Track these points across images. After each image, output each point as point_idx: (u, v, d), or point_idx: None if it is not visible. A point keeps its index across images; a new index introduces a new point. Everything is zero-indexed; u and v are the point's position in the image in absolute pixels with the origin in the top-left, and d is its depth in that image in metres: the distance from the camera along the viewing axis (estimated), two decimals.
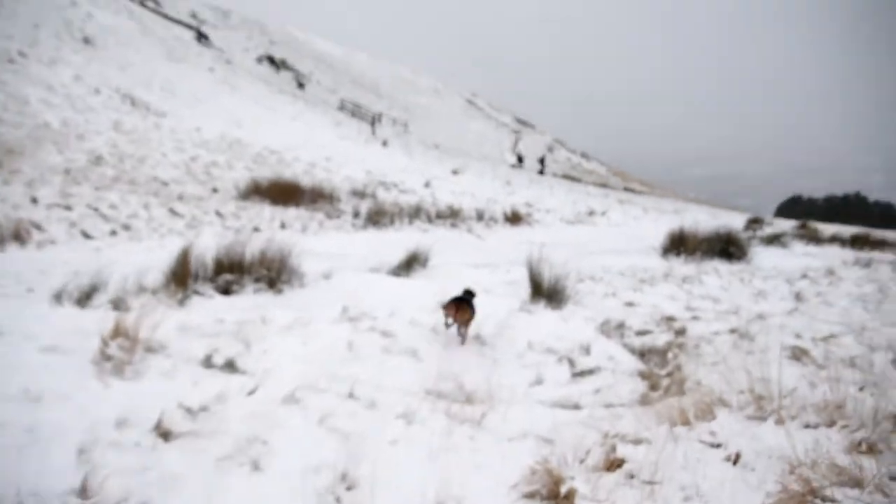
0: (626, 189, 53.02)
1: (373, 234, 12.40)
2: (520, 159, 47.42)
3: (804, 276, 8.98)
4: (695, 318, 5.86)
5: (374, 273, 7.24)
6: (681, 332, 5.21)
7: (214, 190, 14.08)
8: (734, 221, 32.93)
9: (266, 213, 12.63)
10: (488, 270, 8.59)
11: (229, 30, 53.36)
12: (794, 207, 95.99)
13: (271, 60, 48.54)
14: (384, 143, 31.22)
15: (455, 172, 25.89)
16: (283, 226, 11.86)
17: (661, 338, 5.02)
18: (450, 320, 4.50)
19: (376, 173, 20.36)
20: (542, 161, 49.90)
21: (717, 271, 9.27)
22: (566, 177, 48.58)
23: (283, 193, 13.83)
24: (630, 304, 6.45)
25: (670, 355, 4.50)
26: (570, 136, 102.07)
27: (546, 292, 5.91)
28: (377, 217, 13.28)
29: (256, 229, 11.23)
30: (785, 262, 11.45)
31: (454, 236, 13.40)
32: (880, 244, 17.08)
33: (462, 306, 4.52)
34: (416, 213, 14.57)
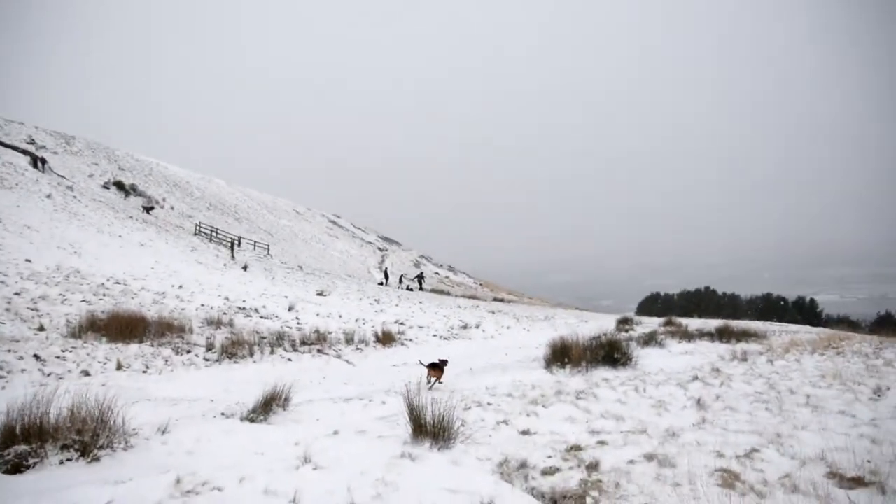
0: (496, 299, 53.97)
1: (228, 369, 10.97)
2: (386, 276, 46.98)
3: (695, 379, 8.95)
4: (601, 442, 5.28)
5: (225, 419, 6.14)
6: (593, 466, 4.59)
7: (40, 328, 12.11)
8: (605, 323, 33.98)
9: (100, 352, 10.90)
10: (361, 404, 7.61)
11: (72, 155, 50.37)
12: (654, 304, 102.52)
13: (119, 186, 45.84)
14: (244, 268, 29.65)
15: (321, 294, 24.83)
16: (119, 367, 10.23)
17: (572, 477, 4.35)
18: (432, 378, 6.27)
19: (235, 299, 18.87)
20: (420, 277, 49.85)
21: (607, 382, 8.89)
22: (435, 291, 48.71)
23: (124, 328, 12.07)
24: (527, 433, 5.76)
25: (589, 501, 3.76)
26: (435, 251, 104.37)
27: (430, 430, 5.09)
28: (234, 348, 11.86)
29: (85, 373, 9.58)
30: (669, 363, 11.41)
31: (321, 364, 12.29)
32: (744, 335, 17.81)
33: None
34: (278, 340, 13.35)
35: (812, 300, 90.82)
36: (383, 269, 55.85)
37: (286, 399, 6.87)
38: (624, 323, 30.60)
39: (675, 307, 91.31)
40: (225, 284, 21.96)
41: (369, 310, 22.96)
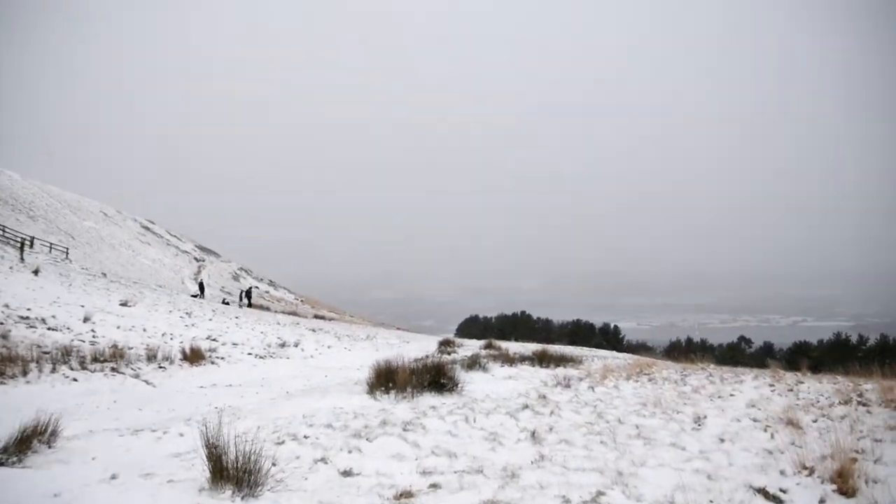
0: (317, 316, 52.71)
1: None
2: (202, 288, 43.77)
3: (525, 407, 9.10)
4: (434, 486, 4.95)
5: None
6: None
7: None
8: (427, 345, 34.15)
9: None
10: (153, 437, 6.62)
11: None
12: (473, 325, 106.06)
13: None
14: (35, 272, 26.06)
15: (125, 304, 22.36)
16: None
17: None
18: None
19: (17, 307, 16.30)
20: (248, 293, 46.92)
21: (435, 410, 8.66)
22: (254, 306, 46.48)
23: None
24: (349, 474, 5.29)
25: None
26: (256, 263, 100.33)
27: (234, 473, 4.37)
28: (1, 366, 10.06)
29: None
30: (495, 389, 11.43)
31: (115, 385, 10.80)
32: (561, 359, 18.47)
33: None
34: (64, 356, 11.59)
35: (616, 327, 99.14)
36: (198, 280, 52.36)
37: (53, 432, 5.72)
38: (446, 345, 30.92)
39: (493, 329, 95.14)
40: (7, 290, 19.03)
41: (179, 324, 21.09)
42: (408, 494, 4.69)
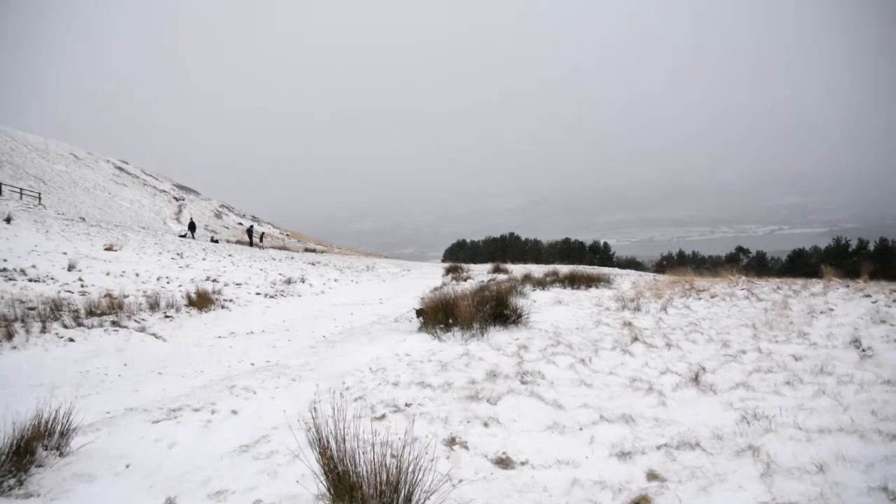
0: (307, 250, 50.93)
1: None
2: (192, 227, 41.05)
3: (616, 342, 7.32)
4: (655, 477, 3.30)
5: None
6: None
7: None
8: (431, 271, 32.68)
9: None
10: (200, 421, 4.94)
11: None
12: (460, 250, 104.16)
13: None
14: (7, 220, 23.69)
15: (110, 248, 20.29)
16: None
17: None
18: None
19: None
20: (258, 233, 44.68)
21: (527, 350, 6.90)
22: (241, 242, 44.45)
23: None
24: (506, 464, 3.76)
25: None
26: (236, 200, 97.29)
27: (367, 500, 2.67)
28: None
29: None
30: (555, 317, 9.90)
31: (120, 343, 8.96)
32: (590, 280, 17.38)
33: None
34: (53, 311, 9.74)
35: (606, 244, 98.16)
36: (183, 219, 49.87)
37: (64, 432, 3.92)
38: (454, 271, 29.43)
39: (481, 253, 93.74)
40: None
41: (172, 265, 19.16)
42: (644, 501, 3.04)
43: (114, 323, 9.90)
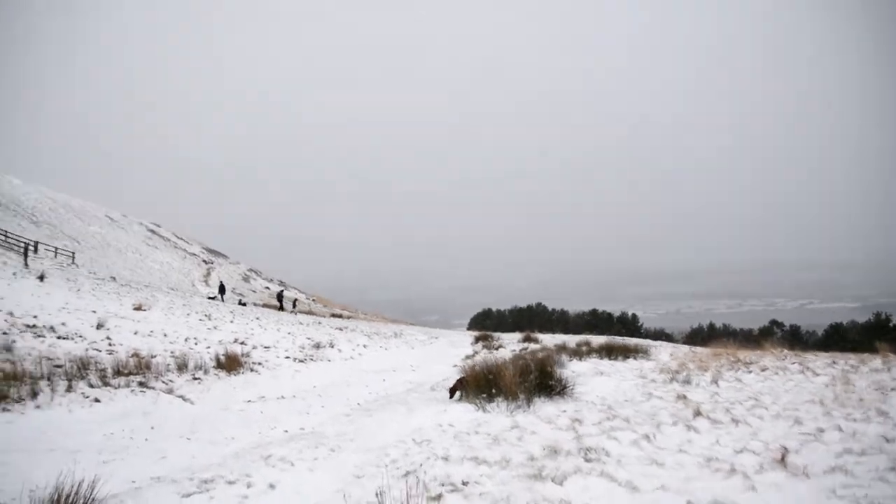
0: (333, 315, 50.62)
1: None
2: (222, 290, 40.72)
3: (697, 415, 6.72)
4: None
5: None
6: None
7: None
8: (459, 339, 32.08)
9: None
10: (236, 496, 4.41)
11: None
12: (486, 319, 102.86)
13: None
14: (41, 277, 23.85)
15: (139, 308, 20.17)
16: None
17: None
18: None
19: (22, 315, 14.12)
20: (279, 296, 44.15)
21: (581, 424, 6.36)
22: (268, 306, 44.33)
23: None
24: None
25: None
26: (264, 264, 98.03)
27: None
28: (4, 385, 7.81)
29: None
30: (600, 388, 9.36)
31: (146, 404, 8.56)
32: (627, 351, 17.05)
33: None
34: (80, 370, 9.42)
35: (634, 315, 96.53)
36: (211, 282, 50.00)
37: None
38: (484, 339, 28.81)
39: (507, 322, 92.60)
40: (11, 297, 16.85)
41: (200, 327, 18.90)
42: None
43: (141, 384, 9.54)
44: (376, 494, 3.34)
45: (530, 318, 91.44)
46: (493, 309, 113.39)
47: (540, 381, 8.51)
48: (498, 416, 7.31)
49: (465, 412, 7.61)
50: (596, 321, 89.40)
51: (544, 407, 7.70)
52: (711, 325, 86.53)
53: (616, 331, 72.49)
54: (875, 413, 6.65)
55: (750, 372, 11.65)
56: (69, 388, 8.42)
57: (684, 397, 8.24)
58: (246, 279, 69.03)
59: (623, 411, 7.33)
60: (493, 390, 8.13)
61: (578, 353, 16.26)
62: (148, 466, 5.45)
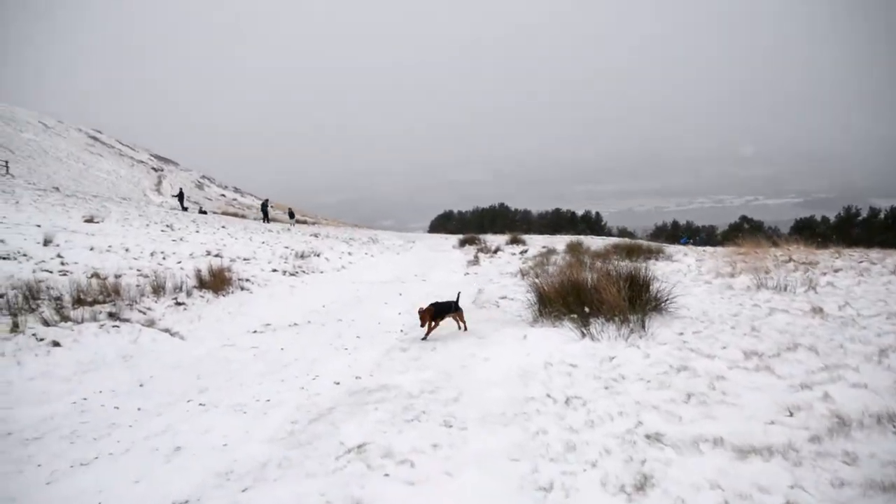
0: (298, 222, 48.01)
1: None
2: (181, 197, 36.56)
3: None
4: None
5: None
6: None
7: None
8: (441, 243, 30.41)
9: None
10: None
11: None
12: (448, 222, 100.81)
13: None
14: None
15: (90, 220, 17.45)
16: None
17: None
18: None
19: None
20: (264, 207, 37.62)
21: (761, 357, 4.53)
22: (227, 214, 41.57)
23: None
24: None
25: None
26: (216, 171, 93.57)
27: None
28: None
29: None
30: (689, 301, 7.61)
31: (124, 345, 6.32)
32: (650, 253, 15.68)
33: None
34: (29, 300, 7.13)
35: (598, 213, 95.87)
36: (163, 190, 46.37)
37: None
38: (470, 242, 27.05)
39: (470, 224, 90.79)
40: None
41: (164, 238, 16.43)
42: None
43: (112, 315, 7.31)
44: None
45: (493, 219, 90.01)
46: (455, 210, 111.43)
47: (634, 294, 6.65)
48: (606, 343, 5.47)
49: (566, 341, 5.71)
50: (560, 221, 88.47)
51: (660, 330, 5.87)
52: (675, 223, 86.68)
53: (581, 230, 71.72)
54: None
55: (835, 273, 10.15)
56: (15, 328, 6.15)
57: (820, 310, 6.52)
58: (200, 186, 65.21)
59: (767, 332, 5.60)
60: (587, 308, 6.23)
61: (603, 256, 14.59)
62: (156, 471, 3.37)
